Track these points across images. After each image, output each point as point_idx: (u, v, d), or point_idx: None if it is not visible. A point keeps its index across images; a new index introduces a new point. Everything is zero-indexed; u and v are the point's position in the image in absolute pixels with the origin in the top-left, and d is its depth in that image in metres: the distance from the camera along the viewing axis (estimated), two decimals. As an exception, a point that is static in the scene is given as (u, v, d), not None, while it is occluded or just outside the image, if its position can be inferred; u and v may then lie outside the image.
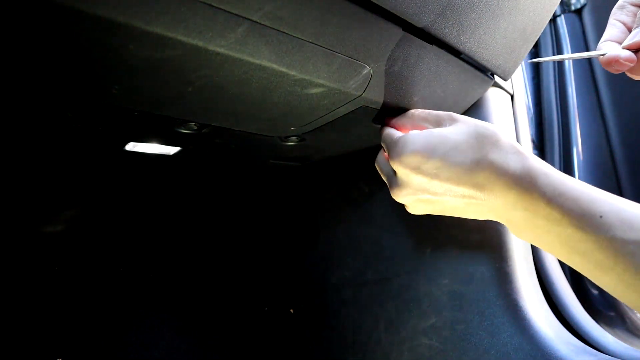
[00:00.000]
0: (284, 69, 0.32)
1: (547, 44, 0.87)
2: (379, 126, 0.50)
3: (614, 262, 0.29)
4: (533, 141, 0.84)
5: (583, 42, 0.82)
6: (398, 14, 0.32)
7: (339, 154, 0.67)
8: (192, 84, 0.33)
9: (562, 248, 0.33)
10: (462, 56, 0.42)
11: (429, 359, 0.52)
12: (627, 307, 0.64)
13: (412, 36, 0.36)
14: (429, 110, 0.42)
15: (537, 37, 0.48)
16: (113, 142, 0.51)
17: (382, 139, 0.43)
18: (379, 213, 0.64)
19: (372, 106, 0.42)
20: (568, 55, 0.41)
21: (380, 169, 0.44)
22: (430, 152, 0.36)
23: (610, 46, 0.38)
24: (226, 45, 0.28)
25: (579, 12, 0.85)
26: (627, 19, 0.40)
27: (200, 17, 0.25)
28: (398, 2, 0.31)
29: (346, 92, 0.38)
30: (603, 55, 0.36)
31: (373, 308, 0.61)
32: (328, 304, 0.71)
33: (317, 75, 0.34)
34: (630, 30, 0.39)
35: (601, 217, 0.30)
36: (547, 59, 0.42)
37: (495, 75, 0.49)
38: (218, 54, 0.29)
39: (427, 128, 0.40)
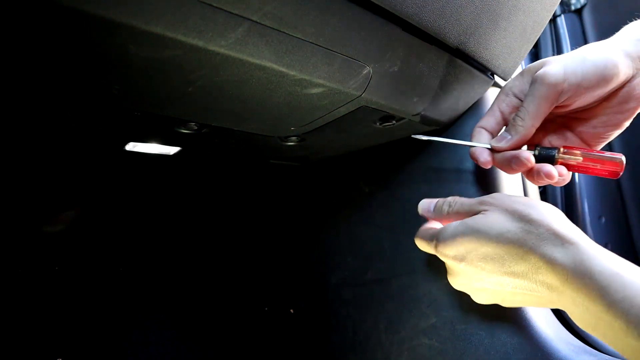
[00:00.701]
0: (284, 69, 0.32)
1: (547, 44, 0.87)
2: (379, 126, 0.50)
3: None
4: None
5: (583, 42, 0.82)
6: (398, 14, 0.32)
7: (339, 154, 0.67)
8: (192, 84, 0.33)
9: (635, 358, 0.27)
10: (462, 56, 0.42)
11: (429, 359, 0.52)
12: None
13: (412, 36, 0.36)
14: (461, 199, 0.41)
15: (537, 37, 0.48)
16: (113, 142, 0.51)
17: (419, 235, 0.44)
18: (379, 213, 0.64)
19: (372, 106, 0.42)
20: (445, 139, 0.45)
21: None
22: (470, 244, 0.36)
23: (483, 135, 0.42)
24: (226, 45, 0.28)
25: (579, 12, 0.85)
26: (506, 110, 0.43)
27: (200, 17, 0.25)
28: (398, 2, 0.31)
29: (346, 92, 0.38)
30: (472, 147, 0.42)
31: (373, 308, 0.61)
32: (328, 304, 0.71)
33: (317, 75, 0.34)
34: (507, 119, 0.43)
35: None
36: (427, 138, 0.46)
37: (495, 75, 0.49)
38: (218, 54, 0.29)
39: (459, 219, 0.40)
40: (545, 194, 0.79)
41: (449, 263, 0.39)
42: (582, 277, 0.29)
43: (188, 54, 0.28)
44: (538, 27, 0.46)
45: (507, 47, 0.44)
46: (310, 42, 0.31)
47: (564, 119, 0.43)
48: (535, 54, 0.89)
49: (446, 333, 0.51)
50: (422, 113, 0.47)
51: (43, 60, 0.28)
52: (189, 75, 0.32)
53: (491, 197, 0.38)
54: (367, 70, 0.36)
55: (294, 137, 0.52)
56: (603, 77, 0.35)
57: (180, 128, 0.45)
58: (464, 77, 0.46)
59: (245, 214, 0.96)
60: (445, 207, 0.42)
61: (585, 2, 0.83)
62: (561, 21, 0.86)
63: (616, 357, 0.40)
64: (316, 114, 0.43)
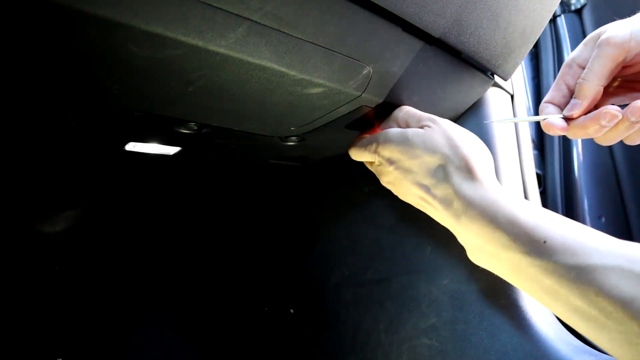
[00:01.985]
0: (284, 69, 0.32)
1: (547, 44, 0.87)
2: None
3: (559, 287, 0.29)
4: (533, 141, 0.84)
5: (583, 42, 0.82)
6: (398, 14, 0.32)
7: (339, 154, 0.67)
8: (192, 84, 0.33)
9: (513, 274, 0.33)
10: (462, 56, 0.42)
11: (429, 359, 0.52)
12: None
13: (412, 36, 0.36)
14: (414, 111, 0.43)
15: (537, 37, 0.48)
16: (113, 142, 0.51)
17: (357, 143, 0.46)
18: (379, 213, 0.64)
19: (372, 106, 0.42)
20: (516, 119, 0.43)
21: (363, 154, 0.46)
22: (400, 151, 0.39)
23: (551, 109, 0.42)
24: (226, 45, 0.28)
25: (579, 12, 0.85)
26: (571, 82, 0.42)
27: (200, 17, 0.25)
28: (398, 2, 0.31)
29: (346, 92, 0.38)
30: (544, 119, 0.41)
31: (373, 308, 0.61)
32: (328, 304, 0.71)
33: (317, 75, 0.34)
34: (572, 92, 0.42)
35: (545, 242, 0.30)
36: (501, 120, 0.45)
37: (495, 75, 0.49)
38: (218, 54, 0.29)
39: (408, 126, 0.42)
40: (545, 193, 0.79)
41: (382, 163, 0.42)
42: (482, 209, 0.34)
43: (188, 54, 0.28)
44: (538, 27, 0.46)
45: (507, 47, 0.44)
46: (310, 42, 0.31)
47: (631, 83, 0.42)
48: (536, 54, 0.89)
49: (446, 333, 0.51)
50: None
51: (43, 60, 0.28)
52: (189, 75, 0.32)
53: (440, 119, 0.41)
54: (367, 70, 0.36)
55: (294, 137, 0.52)
56: None
57: (180, 128, 0.45)
58: (464, 77, 0.46)
59: (245, 214, 0.96)
60: (400, 113, 0.44)
61: (585, 2, 0.83)
62: (561, 21, 0.86)
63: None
64: (316, 114, 0.43)
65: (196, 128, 0.46)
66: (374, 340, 0.60)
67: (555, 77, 0.85)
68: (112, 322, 0.77)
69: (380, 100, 0.42)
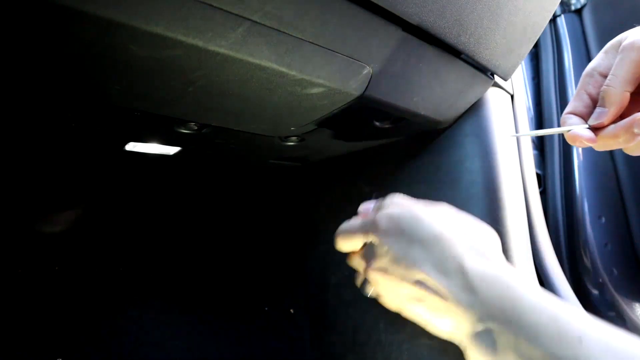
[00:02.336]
0: (284, 69, 0.32)
1: (547, 44, 0.87)
2: (379, 126, 0.50)
3: None
4: (533, 141, 0.84)
5: (583, 42, 0.82)
6: (398, 14, 0.32)
7: (339, 154, 0.67)
8: (192, 84, 0.33)
9: None
10: (462, 56, 0.42)
11: (429, 358, 0.52)
12: (627, 307, 0.64)
13: (412, 36, 0.36)
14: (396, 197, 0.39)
15: (537, 37, 0.48)
16: (113, 142, 0.51)
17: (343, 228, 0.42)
18: (379, 213, 0.64)
19: (372, 106, 0.42)
20: (540, 132, 0.42)
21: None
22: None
23: (574, 120, 0.39)
24: (226, 45, 0.28)
25: (579, 12, 0.85)
26: (594, 91, 0.40)
27: (200, 17, 0.25)
28: (398, 2, 0.31)
29: (346, 92, 0.38)
30: (569, 131, 0.38)
31: (373, 308, 0.61)
32: (328, 304, 0.71)
33: (317, 75, 0.34)
34: (595, 102, 0.40)
35: (581, 342, 0.26)
36: (523, 134, 0.43)
37: (495, 75, 0.49)
38: (218, 54, 0.29)
39: None
40: (545, 193, 0.79)
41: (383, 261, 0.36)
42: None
43: (188, 54, 0.28)
44: (538, 27, 0.46)
45: (507, 47, 0.44)
46: (310, 42, 0.31)
47: None
48: (536, 54, 0.89)
49: (446, 333, 0.51)
50: (422, 113, 0.47)
51: (43, 61, 0.28)
52: (189, 75, 0.32)
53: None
54: (367, 70, 0.36)
55: (294, 137, 0.52)
56: None
57: (180, 128, 0.45)
58: (464, 77, 0.46)
59: (246, 214, 0.96)
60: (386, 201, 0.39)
61: (585, 2, 0.83)
62: (561, 21, 0.86)
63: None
64: (316, 114, 0.43)
65: (196, 128, 0.46)
66: (374, 340, 0.60)
67: (555, 77, 0.85)
68: (112, 322, 0.77)
69: (381, 101, 0.42)
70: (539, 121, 0.83)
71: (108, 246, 0.83)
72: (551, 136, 0.80)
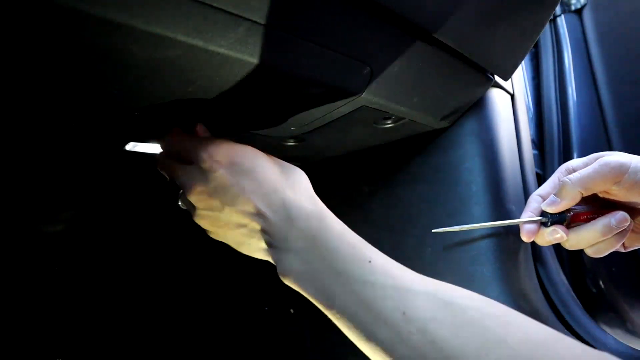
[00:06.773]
0: (284, 69, 0.32)
1: (547, 44, 0.87)
2: (379, 126, 0.50)
3: (373, 302, 0.31)
4: (533, 141, 0.84)
5: (583, 42, 0.82)
6: (398, 14, 0.32)
7: (339, 154, 0.67)
8: (192, 84, 0.33)
9: (330, 284, 0.33)
10: (462, 56, 0.42)
11: (429, 359, 0.52)
12: (627, 307, 0.64)
13: (412, 36, 0.36)
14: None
15: (537, 37, 0.48)
16: (113, 142, 0.51)
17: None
18: (379, 213, 0.64)
19: (372, 106, 0.42)
20: (471, 226, 0.47)
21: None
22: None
23: (537, 204, 0.46)
24: (226, 45, 0.28)
25: (579, 12, 0.84)
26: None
27: (200, 17, 0.25)
28: (398, 2, 0.31)
29: (346, 92, 0.38)
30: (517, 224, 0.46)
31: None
32: (328, 304, 0.71)
33: (317, 75, 0.34)
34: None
35: (370, 262, 0.32)
36: (449, 229, 0.47)
37: (495, 75, 0.49)
38: (218, 54, 0.29)
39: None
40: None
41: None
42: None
43: (188, 54, 0.28)
44: (538, 27, 0.46)
45: (507, 47, 0.44)
46: (311, 42, 0.31)
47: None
48: (536, 54, 0.89)
49: (446, 333, 0.50)
50: (422, 113, 0.47)
51: (43, 61, 0.28)
52: (189, 75, 0.32)
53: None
54: (367, 70, 0.36)
55: (294, 137, 0.52)
56: None
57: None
58: (464, 77, 0.46)
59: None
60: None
61: (585, 2, 0.83)
62: (561, 21, 0.86)
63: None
64: (316, 114, 0.43)
65: (196, 128, 0.46)
66: (374, 340, 0.60)
67: (555, 77, 0.85)
68: (111, 322, 0.77)
69: (381, 101, 0.42)
70: (539, 121, 0.83)
71: (108, 246, 0.83)
72: (551, 136, 0.80)
